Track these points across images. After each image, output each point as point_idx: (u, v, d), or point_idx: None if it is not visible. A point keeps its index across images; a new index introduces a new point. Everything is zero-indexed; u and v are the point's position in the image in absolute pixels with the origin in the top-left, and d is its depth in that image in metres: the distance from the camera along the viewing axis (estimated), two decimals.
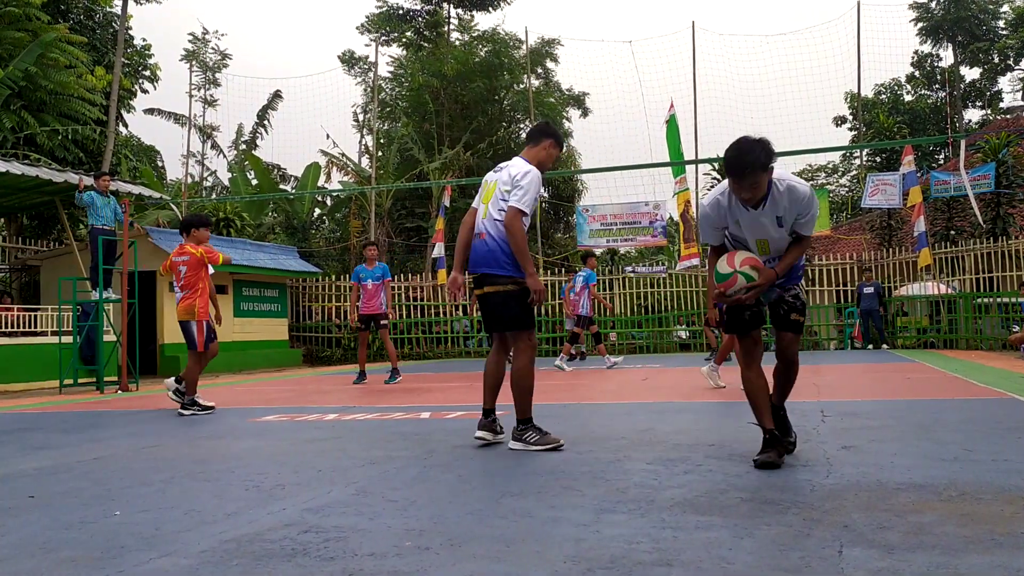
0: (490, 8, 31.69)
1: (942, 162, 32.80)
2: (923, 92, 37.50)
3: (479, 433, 4.69)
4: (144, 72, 21.86)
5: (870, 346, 17.09)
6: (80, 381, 11.60)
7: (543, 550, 2.46)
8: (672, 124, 20.01)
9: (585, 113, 32.21)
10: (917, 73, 37.33)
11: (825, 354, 16.59)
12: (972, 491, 3.07)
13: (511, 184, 4.54)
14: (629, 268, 22.42)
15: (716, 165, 22.48)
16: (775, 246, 3.84)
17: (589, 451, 4.34)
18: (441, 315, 20.85)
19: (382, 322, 11.05)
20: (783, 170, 3.76)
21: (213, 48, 32.22)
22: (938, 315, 17.72)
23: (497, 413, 4.79)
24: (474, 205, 4.81)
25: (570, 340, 13.69)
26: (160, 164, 29.01)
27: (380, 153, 25.93)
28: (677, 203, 20.21)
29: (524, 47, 27.41)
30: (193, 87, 30.41)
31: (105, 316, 11.89)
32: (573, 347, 16.08)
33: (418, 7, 31.83)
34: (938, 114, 35.62)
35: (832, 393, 7.32)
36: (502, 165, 4.78)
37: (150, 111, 29.97)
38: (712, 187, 26.08)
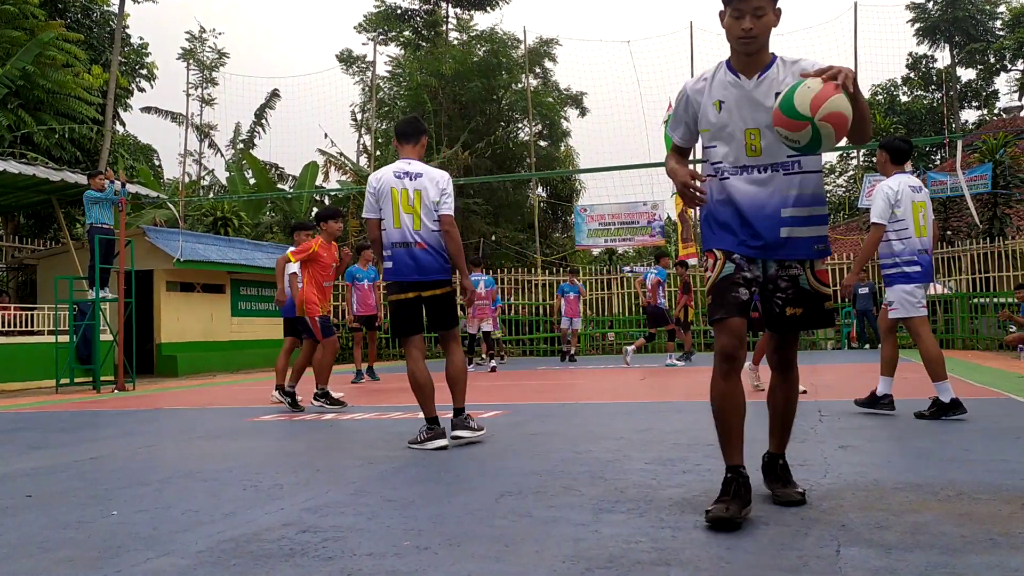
0: (488, 8, 31.69)
1: (938, 163, 32.85)
2: (919, 93, 37.57)
3: (452, 435, 4.70)
4: (141, 71, 21.87)
5: (866, 346, 17.12)
6: (77, 380, 11.59)
7: (542, 550, 2.46)
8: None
9: (583, 113, 32.22)
10: (912, 74, 37.41)
11: (822, 354, 16.61)
12: (969, 491, 3.07)
13: (439, 194, 4.76)
14: (627, 268, 22.46)
15: None
16: (768, 142, 2.82)
17: (588, 451, 4.34)
18: None
19: (376, 324, 11.74)
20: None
21: (210, 47, 32.23)
22: (934, 315, 17.75)
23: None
24: (375, 216, 4.76)
25: (669, 338, 14.15)
26: (157, 163, 28.98)
27: (378, 152, 25.93)
28: (675, 203, 20.24)
29: (522, 47, 27.42)
30: (190, 86, 30.40)
31: (102, 315, 11.88)
32: (565, 346, 16.19)
33: (416, 6, 31.84)
34: (934, 115, 35.68)
35: (829, 393, 7.33)
36: (406, 170, 4.78)
37: (147, 110, 29.99)
38: None
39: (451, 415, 4.79)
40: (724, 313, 2.80)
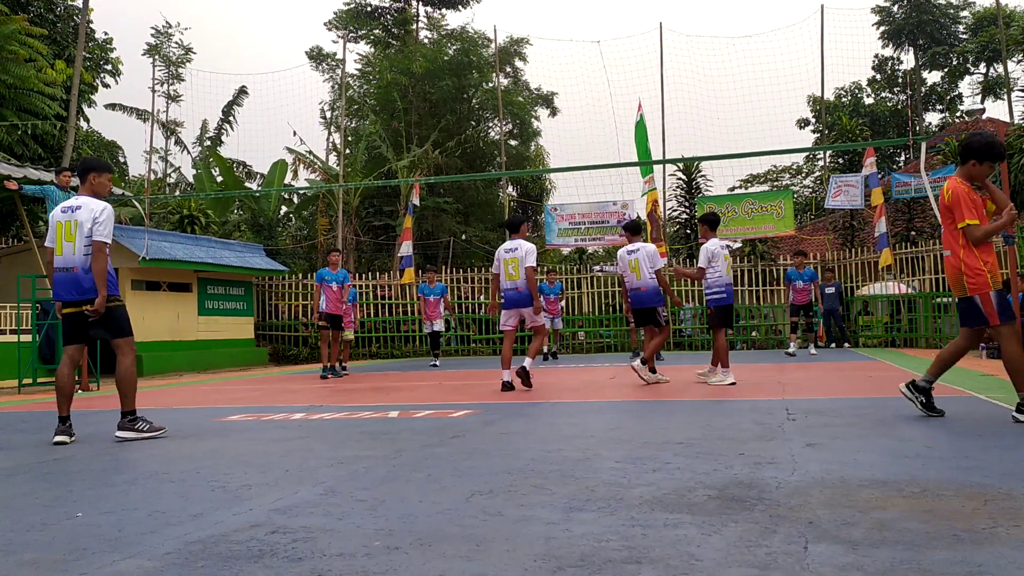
0: (459, 6, 31.64)
1: (902, 164, 33.36)
2: (883, 95, 38.13)
3: (115, 435, 5.45)
4: (106, 66, 21.50)
5: (832, 345, 17.34)
6: (40, 381, 11.40)
7: (513, 549, 2.46)
8: (640, 125, 20.13)
9: (554, 112, 32.31)
10: (878, 76, 37.97)
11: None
12: (934, 487, 3.12)
13: (92, 222, 5.46)
14: (597, 267, 22.52)
15: (683, 165, 22.65)
16: None
17: (558, 449, 4.35)
18: (409, 314, 20.78)
19: (342, 324, 12.41)
20: None
21: (176, 42, 31.81)
22: (899, 314, 18.02)
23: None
24: (50, 245, 5.60)
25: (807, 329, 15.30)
26: (122, 160, 28.56)
27: (348, 151, 25.78)
28: (645, 203, 20.33)
29: (493, 46, 27.41)
30: (156, 82, 30.00)
31: None
32: (554, 346, 16.68)
33: (387, 4, 31.69)
34: (898, 117, 36.22)
35: (797, 391, 7.40)
36: (71, 206, 5.55)
37: (111, 106, 29.48)
38: (680, 188, 25.92)
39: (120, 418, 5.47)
40: None
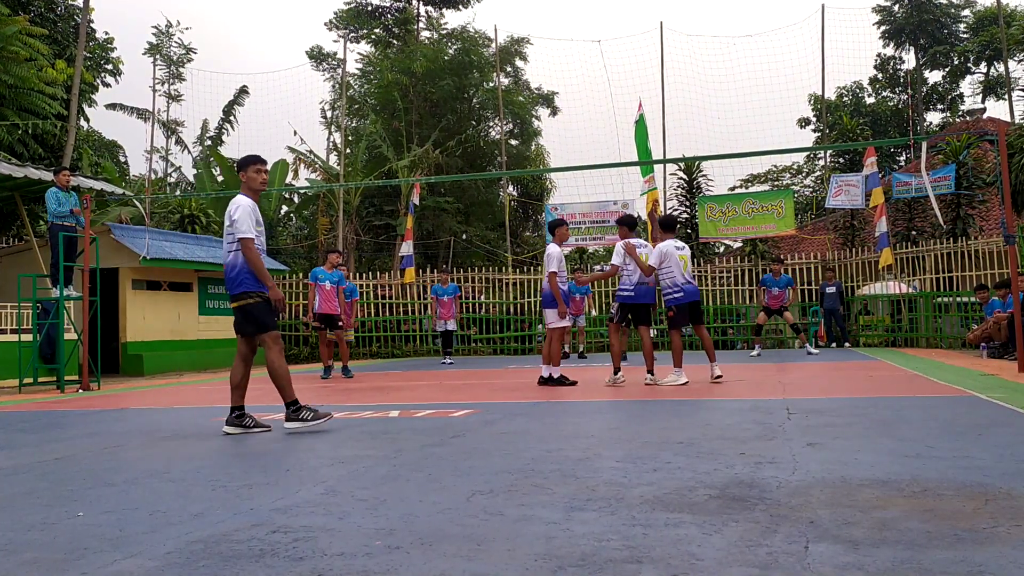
0: (460, 6, 31.64)
1: (903, 164, 33.35)
2: (885, 95, 38.12)
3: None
4: (106, 66, 21.50)
5: (833, 344, 17.34)
6: (40, 380, 11.39)
7: (514, 548, 2.46)
8: (640, 124, 20.13)
9: (554, 112, 32.31)
10: (880, 75, 37.98)
11: (790, 352, 16.79)
12: (934, 487, 3.12)
13: (229, 221, 5.53)
14: (597, 267, 22.53)
15: (684, 165, 22.65)
16: None
17: (559, 449, 4.35)
18: (410, 313, 20.79)
19: (338, 324, 12.12)
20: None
21: (177, 42, 31.82)
22: (899, 314, 18.02)
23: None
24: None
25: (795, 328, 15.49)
26: (123, 160, 28.58)
27: (348, 150, 25.78)
28: (646, 202, 20.33)
29: (493, 45, 27.41)
30: (157, 81, 30.00)
31: (66, 314, 11.68)
32: (581, 345, 17.17)
33: (387, 3, 31.68)
34: (899, 116, 36.21)
35: (797, 391, 7.40)
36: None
37: (112, 106, 29.49)
38: (680, 187, 25.95)
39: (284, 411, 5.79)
40: None
